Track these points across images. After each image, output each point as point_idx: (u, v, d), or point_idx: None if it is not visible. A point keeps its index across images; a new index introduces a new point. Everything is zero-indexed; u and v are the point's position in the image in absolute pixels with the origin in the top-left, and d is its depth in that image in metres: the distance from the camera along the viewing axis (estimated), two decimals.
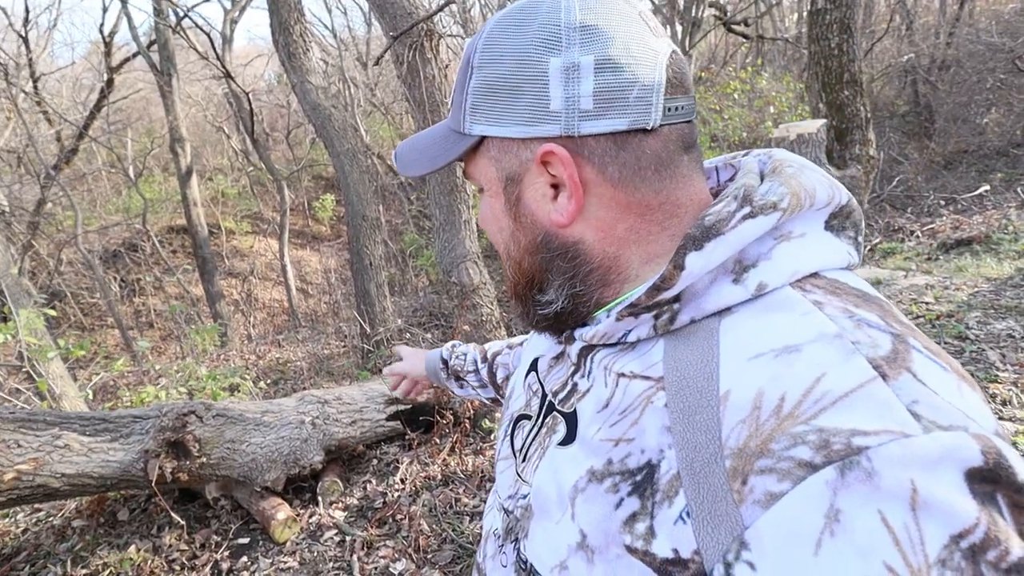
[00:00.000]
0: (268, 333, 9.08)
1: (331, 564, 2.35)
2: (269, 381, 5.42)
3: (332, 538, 2.50)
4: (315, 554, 2.42)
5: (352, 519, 2.60)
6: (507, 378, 0.96)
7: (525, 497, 0.55)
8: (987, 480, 0.32)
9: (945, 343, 3.01)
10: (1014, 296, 3.58)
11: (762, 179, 0.49)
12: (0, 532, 2.89)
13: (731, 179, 0.55)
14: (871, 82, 10.94)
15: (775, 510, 0.34)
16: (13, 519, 3.00)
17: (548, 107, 0.46)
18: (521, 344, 0.97)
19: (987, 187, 7.13)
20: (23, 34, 9.30)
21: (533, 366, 0.65)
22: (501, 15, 0.50)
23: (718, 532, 0.36)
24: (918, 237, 5.74)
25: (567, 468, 0.49)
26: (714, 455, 0.38)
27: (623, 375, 0.48)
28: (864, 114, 4.35)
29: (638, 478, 0.42)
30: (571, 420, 0.52)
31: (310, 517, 2.65)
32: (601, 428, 0.47)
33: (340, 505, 2.71)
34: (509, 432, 0.64)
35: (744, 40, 10.64)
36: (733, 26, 8.94)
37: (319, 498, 2.73)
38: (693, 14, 9.16)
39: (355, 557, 2.33)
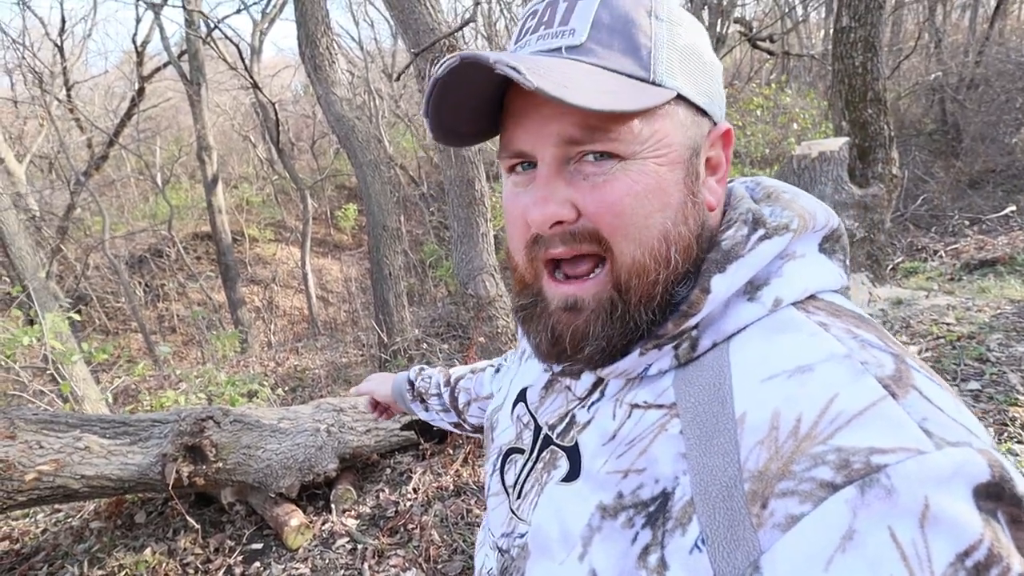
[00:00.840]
0: (288, 340, 9.19)
1: (342, 572, 2.36)
2: (287, 388, 5.47)
3: (344, 546, 2.51)
4: (327, 561, 2.43)
5: (364, 527, 2.61)
6: (468, 403, 0.93)
7: (522, 536, 0.53)
8: (991, 496, 0.32)
9: (965, 364, 2.94)
10: None
11: (755, 204, 0.50)
12: (20, 532, 2.94)
13: None
14: (898, 100, 10.81)
15: (793, 533, 0.34)
16: (33, 519, 3.06)
17: (721, 91, 0.50)
18: (484, 369, 0.92)
19: (1013, 208, 6.98)
20: (59, 43, 9.63)
21: (521, 396, 0.62)
22: None
23: (734, 558, 0.36)
24: (941, 257, 5.63)
25: (573, 506, 0.47)
26: (733, 479, 0.37)
27: (637, 406, 0.46)
28: (888, 132, 4.30)
29: (651, 508, 0.41)
30: (573, 454, 0.50)
31: (323, 524, 2.66)
32: (608, 460, 0.46)
33: (353, 513, 2.71)
34: (499, 467, 0.61)
35: (769, 56, 10.61)
36: (758, 42, 8.92)
37: (332, 505, 2.74)
38: (718, 30, 9.16)
39: (366, 565, 2.34)
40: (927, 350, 3.13)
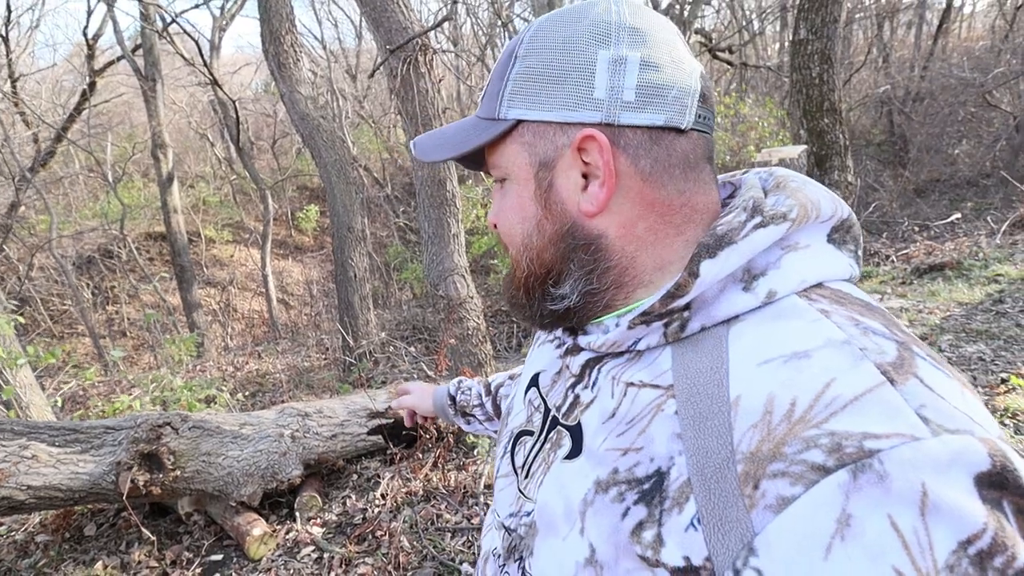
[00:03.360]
0: (247, 344, 8.93)
1: None
2: (247, 393, 5.31)
3: (309, 555, 2.44)
4: (291, 571, 2.36)
5: (331, 535, 2.55)
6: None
7: (529, 514, 0.54)
8: (995, 485, 0.32)
9: None
10: (984, 320, 3.67)
11: (765, 195, 0.50)
12: None
13: (730, 196, 0.56)
14: (849, 111, 11.29)
15: (786, 515, 0.34)
16: None
17: (592, 95, 0.48)
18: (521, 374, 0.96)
19: (959, 215, 7.36)
20: (3, 34, 9.14)
21: (534, 381, 0.64)
22: (554, 12, 0.52)
23: (728, 538, 0.36)
24: (893, 262, 5.88)
25: (575, 482, 0.48)
26: (726, 460, 0.38)
27: (632, 384, 0.47)
28: (843, 141, 4.48)
29: (646, 486, 0.42)
30: (576, 433, 0.51)
31: (287, 533, 2.58)
32: (607, 438, 0.47)
33: (318, 521, 2.65)
34: (509, 449, 0.63)
35: (728, 67, 10.91)
36: (718, 53, 9.16)
37: (297, 513, 2.67)
38: None
39: (333, 574, 2.28)
40: None
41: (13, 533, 2.84)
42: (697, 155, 0.50)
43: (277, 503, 2.78)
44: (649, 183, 0.49)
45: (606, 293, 0.51)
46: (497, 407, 0.98)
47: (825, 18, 4.40)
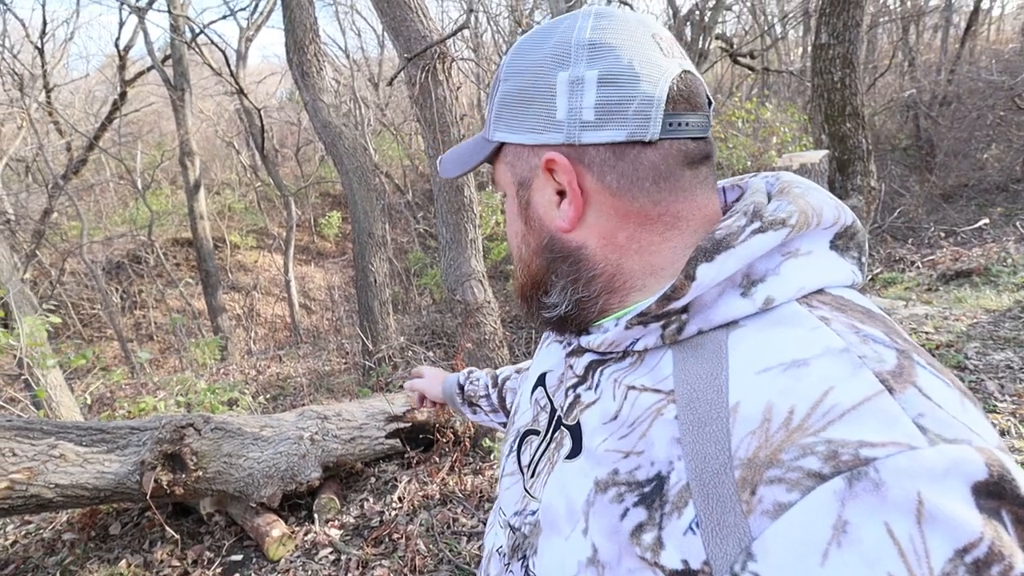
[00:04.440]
0: (269, 348, 9.06)
1: None
2: (268, 396, 5.39)
3: (327, 556, 2.47)
4: (309, 572, 2.39)
5: (348, 537, 2.57)
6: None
7: (534, 513, 0.55)
8: (992, 495, 0.32)
9: None
10: (1012, 328, 3.58)
11: (769, 199, 0.50)
12: None
13: (737, 199, 0.55)
14: (874, 116, 11.09)
15: (783, 521, 0.34)
16: (2, 531, 2.96)
17: (554, 117, 0.49)
18: (528, 369, 0.97)
19: (986, 220, 7.18)
20: (39, 45, 9.47)
21: (541, 381, 0.65)
22: (528, 34, 0.54)
23: (726, 543, 0.36)
24: (918, 268, 5.75)
25: (576, 482, 0.49)
26: (724, 466, 0.38)
27: (633, 388, 0.48)
28: (865, 146, 4.41)
29: (646, 489, 0.43)
30: (576, 432, 0.52)
31: (305, 535, 2.62)
32: (608, 439, 0.48)
33: (336, 523, 2.67)
34: (515, 448, 0.64)
35: (750, 72, 10.81)
36: (739, 58, 9.09)
37: (315, 515, 2.70)
38: (700, 45, 9.32)
39: None
40: None
41: (41, 531, 2.91)
42: (670, 164, 0.49)
43: (296, 505, 2.82)
44: (619, 196, 0.49)
45: (599, 299, 0.53)
46: (502, 399, 1.00)
47: (847, 22, 4.34)
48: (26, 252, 8.92)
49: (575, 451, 0.51)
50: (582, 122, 0.48)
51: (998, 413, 2.57)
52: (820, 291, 0.46)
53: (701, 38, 9.41)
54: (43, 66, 9.52)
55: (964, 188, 9.75)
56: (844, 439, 0.34)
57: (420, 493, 2.76)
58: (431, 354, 5.21)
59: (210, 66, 7.65)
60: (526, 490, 0.59)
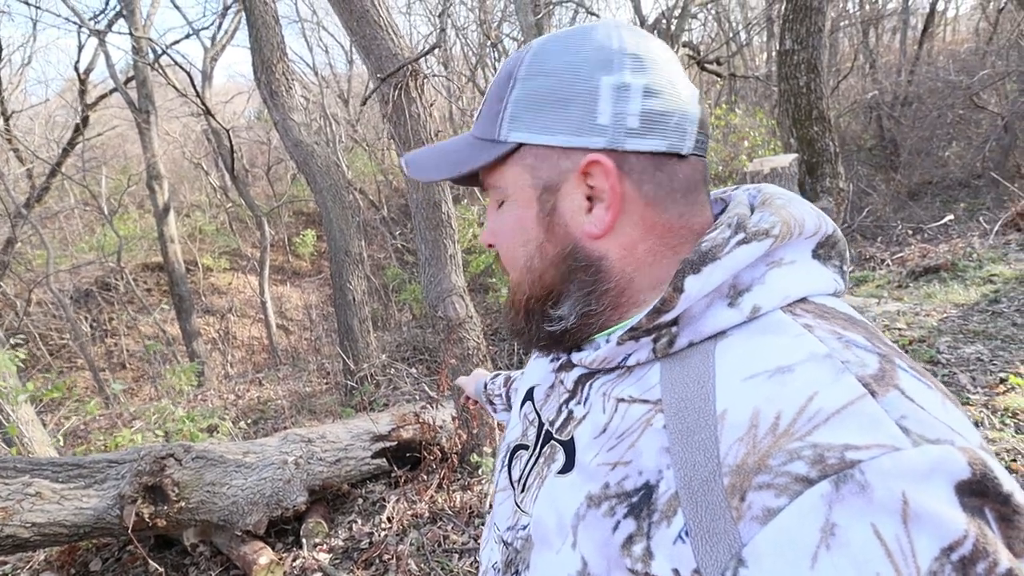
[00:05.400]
0: (247, 371, 8.89)
1: None
2: (249, 421, 5.28)
3: None
4: None
5: (338, 561, 2.52)
6: None
7: (525, 528, 0.55)
8: (976, 493, 0.33)
9: None
10: (981, 321, 3.69)
11: (752, 211, 0.51)
12: None
13: (721, 212, 0.56)
14: (838, 117, 11.41)
15: (772, 526, 0.35)
16: None
17: (595, 120, 0.49)
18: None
19: (951, 217, 7.41)
20: None
21: (529, 395, 0.65)
22: (552, 36, 0.53)
23: (717, 550, 0.37)
24: (888, 265, 5.91)
25: (567, 497, 0.49)
26: (712, 473, 0.38)
27: (622, 400, 0.48)
28: (833, 148, 4.53)
29: (634, 499, 0.43)
30: (569, 448, 0.52)
31: (293, 560, 2.56)
32: (599, 453, 0.48)
33: (325, 547, 2.62)
34: (506, 463, 0.64)
35: (717, 78, 11.05)
36: (707, 65, 9.28)
37: (303, 540, 2.65)
38: None
39: None
40: None
41: (18, 572, 2.80)
42: (696, 179, 0.52)
43: (283, 530, 2.76)
44: (651, 207, 0.50)
45: (603, 315, 0.53)
46: (509, 398, 1.04)
47: (810, 28, 4.48)
48: None
49: (568, 466, 0.51)
50: (627, 128, 0.49)
51: (971, 405, 2.64)
52: (803, 299, 0.47)
53: (670, 45, 9.59)
54: (0, 92, 9.28)
55: (928, 185, 10.08)
56: (830, 443, 0.35)
57: (409, 512, 2.73)
58: (414, 371, 5.17)
59: (175, 87, 7.55)
60: (517, 505, 0.59)
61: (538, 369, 0.67)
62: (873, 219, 8.59)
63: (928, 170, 10.32)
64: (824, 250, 0.50)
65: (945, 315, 3.89)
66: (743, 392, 0.41)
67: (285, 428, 4.68)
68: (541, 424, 0.60)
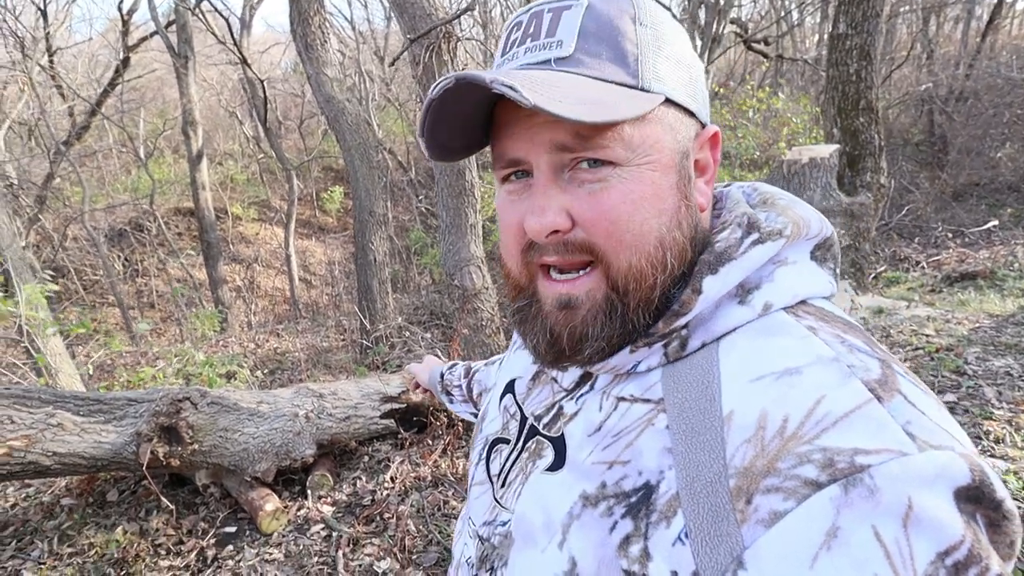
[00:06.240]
0: (268, 322, 9.08)
1: (316, 559, 2.35)
2: (266, 370, 5.42)
3: (318, 532, 2.50)
4: (300, 547, 2.42)
5: (340, 515, 2.60)
6: (480, 394, 0.98)
7: (505, 524, 0.54)
8: (972, 499, 0.33)
9: (943, 377, 2.99)
10: (1015, 334, 3.56)
11: (751, 209, 0.51)
12: None
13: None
14: (887, 109, 10.94)
15: (777, 529, 0.34)
16: (3, 493, 3.00)
17: (699, 88, 0.50)
18: (496, 362, 0.96)
19: (996, 222, 7.12)
20: (42, 7, 9.33)
21: (509, 388, 0.63)
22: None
23: (717, 552, 0.36)
24: (923, 268, 5.72)
25: (557, 494, 0.48)
26: (718, 475, 0.38)
27: (623, 399, 0.47)
28: (878, 142, 4.35)
29: (633, 500, 0.42)
30: (559, 444, 0.51)
31: (298, 510, 2.65)
32: (593, 451, 0.47)
33: (329, 500, 2.70)
34: (484, 456, 0.62)
35: (764, 59, 10.64)
36: (753, 44, 8.94)
37: (308, 491, 2.73)
38: (714, 30, 9.16)
39: (340, 553, 2.33)
40: (906, 360, 3.18)
41: (40, 495, 2.95)
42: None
43: (290, 480, 2.84)
44: (711, 184, 0.52)
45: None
46: (470, 390, 1.01)
47: (866, 12, 4.26)
48: (29, 217, 8.90)
49: (558, 464, 0.50)
50: (705, 105, 0.51)
51: (994, 420, 2.56)
52: (803, 302, 0.46)
53: (715, 22, 9.25)
54: (45, 28, 9.39)
55: (975, 187, 9.66)
56: (839, 447, 0.35)
57: (412, 474, 2.78)
58: (428, 335, 5.22)
59: (213, 34, 7.54)
60: (496, 500, 0.57)
61: (519, 361, 0.65)
62: (912, 218, 8.30)
63: (977, 171, 9.87)
64: (821, 252, 0.50)
65: (977, 325, 3.76)
66: (750, 393, 0.40)
67: (300, 380, 4.79)
68: (524, 418, 0.58)
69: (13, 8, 9.57)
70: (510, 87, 0.39)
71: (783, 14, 12.66)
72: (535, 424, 0.56)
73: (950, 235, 7.03)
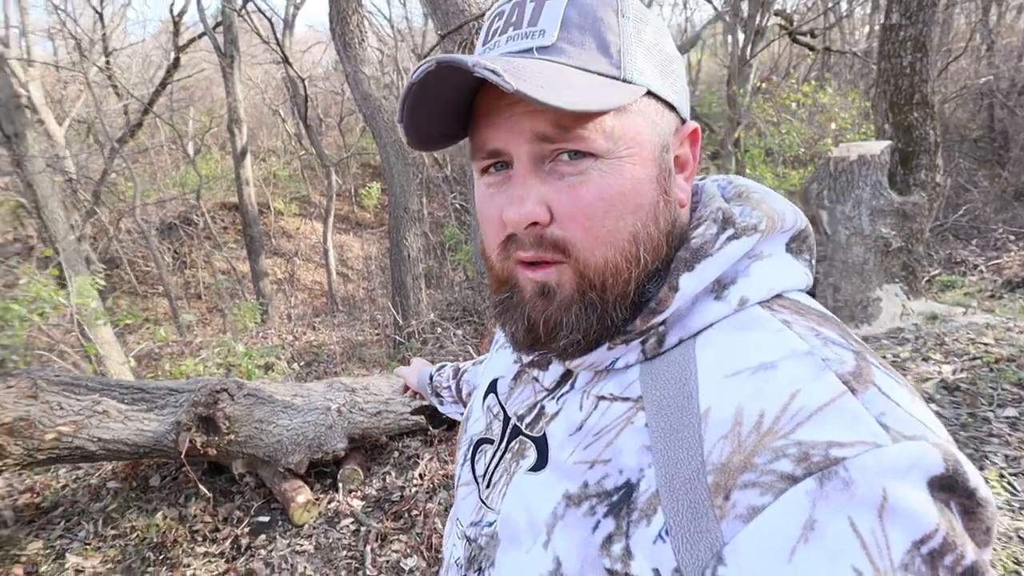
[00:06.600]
0: (306, 315, 9.29)
1: (344, 552, 2.38)
2: (303, 363, 5.53)
3: (348, 526, 2.53)
4: (330, 540, 2.45)
5: (369, 509, 2.62)
6: (469, 394, 0.98)
7: (491, 525, 0.54)
8: (945, 488, 0.34)
9: (1003, 390, 2.81)
10: None
11: (727, 203, 0.51)
12: (41, 486, 3.03)
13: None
14: (943, 103, 10.41)
15: (755, 524, 0.34)
16: (55, 473, 3.15)
17: (680, 84, 0.49)
18: (483, 361, 0.96)
19: None
20: (99, 10, 9.75)
21: (492, 387, 0.63)
22: None
23: (697, 548, 0.36)
24: (982, 272, 5.43)
25: (540, 494, 0.48)
26: (696, 471, 0.38)
27: (603, 398, 0.47)
28: (933, 138, 4.13)
29: (614, 498, 0.42)
30: (541, 444, 0.51)
31: (329, 503, 2.68)
32: (575, 451, 0.47)
33: (359, 494, 2.73)
34: (469, 457, 0.62)
35: (809, 52, 10.27)
36: (799, 36, 8.63)
37: (339, 485, 2.77)
38: (757, 22, 8.88)
39: (368, 548, 2.35)
40: (961, 371, 3.00)
41: (89, 477, 3.08)
42: None
43: (322, 473, 2.89)
44: (691, 179, 0.52)
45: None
46: (459, 390, 1.01)
47: (922, 1, 4.04)
48: (86, 210, 9.33)
49: (540, 463, 0.50)
50: (685, 99, 0.50)
51: None
52: (779, 295, 0.47)
53: (759, 14, 8.97)
54: (102, 30, 9.81)
55: None
56: (814, 440, 0.35)
57: (440, 472, 2.79)
58: (460, 331, 5.23)
59: (258, 34, 7.74)
60: (482, 501, 0.57)
61: (502, 360, 0.64)
62: (970, 219, 7.88)
63: None
64: (796, 243, 0.50)
65: None
66: (726, 389, 0.40)
67: (335, 374, 4.88)
68: (507, 418, 0.58)
69: (73, 11, 10.03)
70: (492, 71, 0.38)
71: (831, 5, 12.18)
72: (518, 424, 0.55)
73: (1012, 237, 6.64)
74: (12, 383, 2.33)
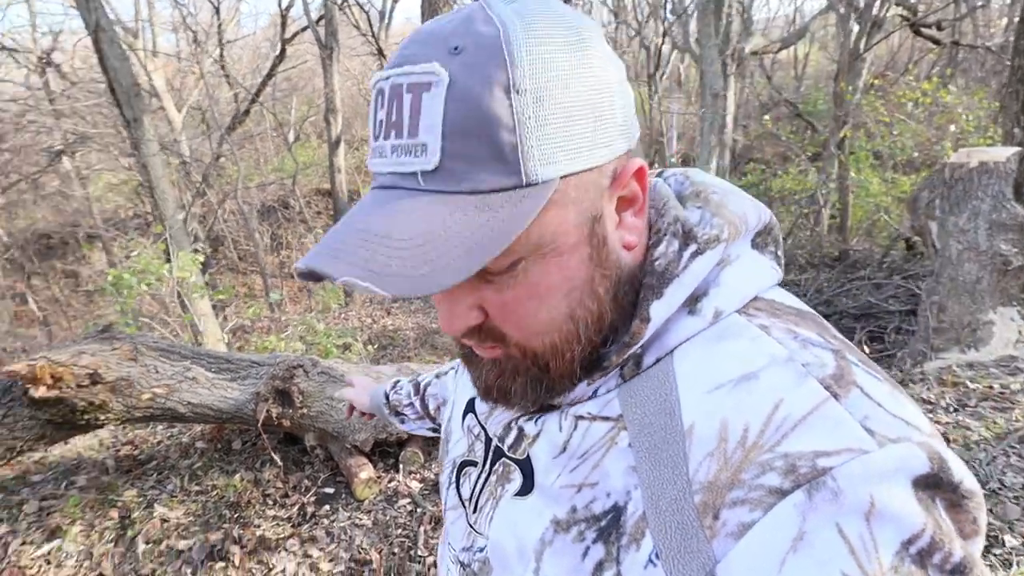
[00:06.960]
0: (385, 299, 9.66)
1: (399, 530, 2.45)
2: (378, 346, 5.75)
3: (405, 506, 2.60)
4: (387, 517, 2.53)
5: (426, 492, 2.69)
6: (438, 408, 0.94)
7: (482, 550, 0.53)
8: (930, 486, 0.34)
9: None
10: None
11: (682, 203, 0.48)
12: (141, 440, 3.35)
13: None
14: None
15: (745, 540, 0.34)
16: (153, 430, 3.46)
17: (616, 120, 0.42)
18: (447, 373, 0.92)
19: None
20: (216, 5, 10.56)
21: (470, 407, 0.61)
22: (516, 29, 0.37)
23: (689, 569, 0.36)
24: None
25: (528, 520, 0.47)
26: (682, 491, 0.37)
27: (582, 418, 0.46)
28: None
29: (603, 523, 0.41)
30: (526, 468, 0.49)
31: (389, 482, 2.77)
32: (561, 474, 0.46)
33: (418, 476, 2.80)
34: (454, 480, 0.60)
35: (934, 46, 9.35)
36: (923, 28, 7.87)
37: (400, 465, 2.85)
38: (874, 12, 8.17)
39: (422, 529, 2.41)
40: None
41: (181, 436, 3.37)
42: None
43: (386, 452, 2.99)
44: (643, 212, 0.47)
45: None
46: (425, 406, 0.96)
47: None
48: (197, 190, 10.19)
49: (526, 488, 0.48)
50: (630, 122, 0.44)
51: None
52: (754, 298, 0.45)
53: (877, 4, 8.25)
54: (218, 23, 10.61)
55: None
56: (800, 451, 0.35)
57: None
58: None
59: (356, 27, 8.07)
60: (470, 525, 0.55)
61: None
62: None
63: None
64: (761, 238, 0.49)
65: None
66: (709, 404, 0.39)
67: (408, 359, 5.03)
68: (488, 439, 0.56)
69: (192, 5, 10.94)
70: (359, 278, 0.35)
71: None
72: (500, 445, 0.54)
73: None
74: (117, 346, 2.58)
